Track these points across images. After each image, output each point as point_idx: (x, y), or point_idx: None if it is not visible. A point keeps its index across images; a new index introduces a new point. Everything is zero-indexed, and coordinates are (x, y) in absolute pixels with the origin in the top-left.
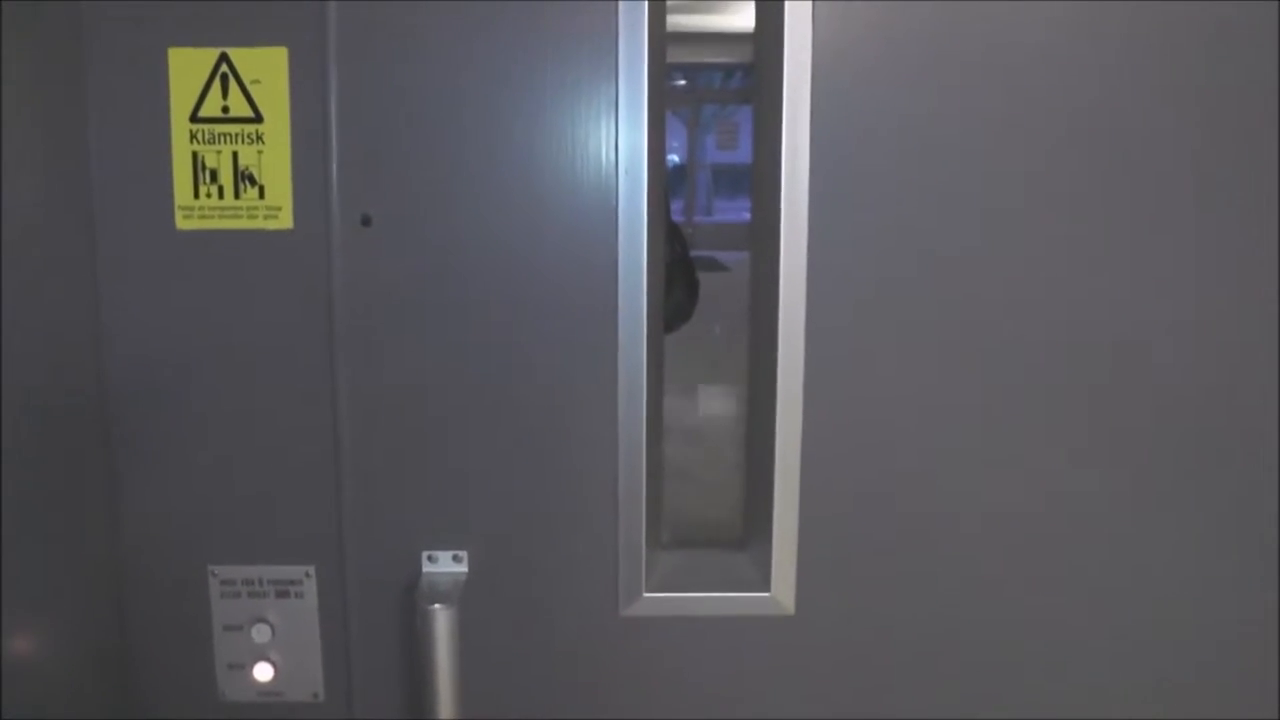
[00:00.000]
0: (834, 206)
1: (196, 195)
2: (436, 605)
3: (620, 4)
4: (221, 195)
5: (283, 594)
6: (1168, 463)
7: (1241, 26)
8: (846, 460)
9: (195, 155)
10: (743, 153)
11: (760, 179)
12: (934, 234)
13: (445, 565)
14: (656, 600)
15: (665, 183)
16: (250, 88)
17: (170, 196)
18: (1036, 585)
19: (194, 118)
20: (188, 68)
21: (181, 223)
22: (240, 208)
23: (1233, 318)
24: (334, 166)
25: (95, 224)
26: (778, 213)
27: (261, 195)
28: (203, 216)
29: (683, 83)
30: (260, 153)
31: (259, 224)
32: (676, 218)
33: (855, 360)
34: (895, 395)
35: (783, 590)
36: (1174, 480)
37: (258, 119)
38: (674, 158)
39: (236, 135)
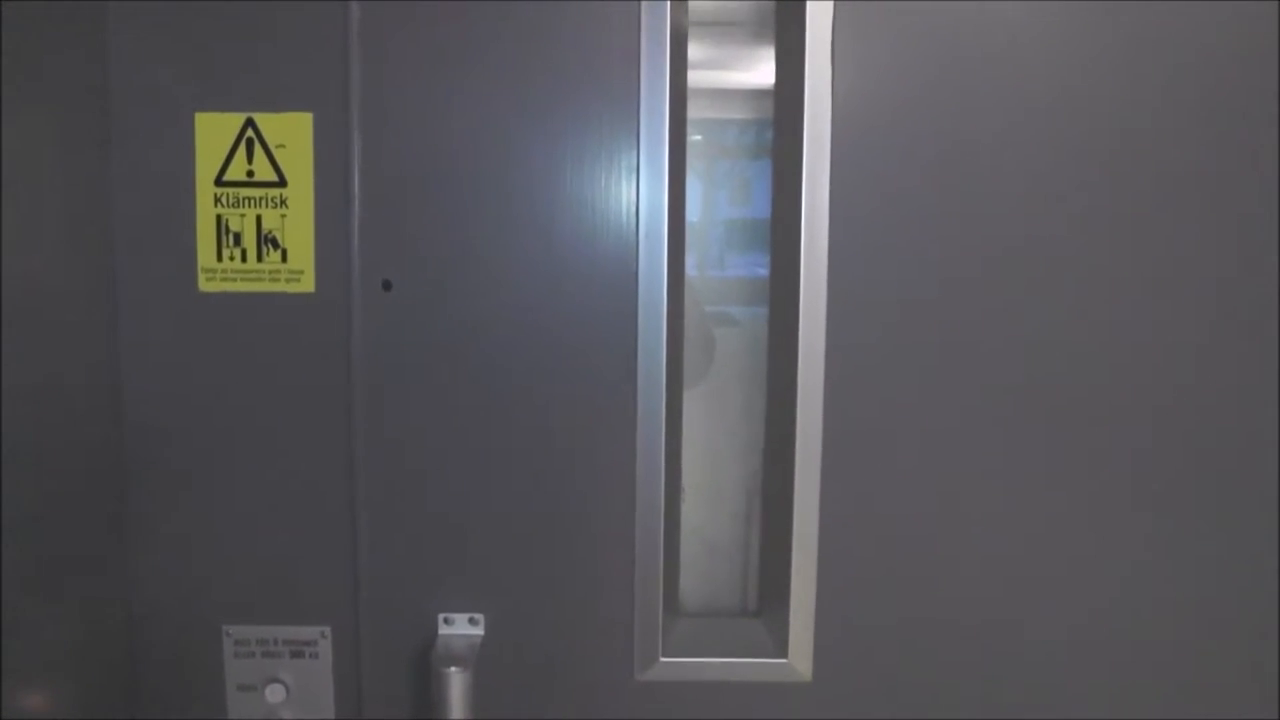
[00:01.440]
0: (853, 263)
1: (219, 258)
2: (452, 668)
3: (643, 68)
4: (244, 258)
5: (297, 654)
6: (1203, 494)
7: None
8: (864, 526)
9: (219, 218)
10: (755, 208)
11: (779, 233)
12: (955, 294)
13: (461, 628)
14: (673, 665)
15: (684, 245)
16: (275, 152)
17: (193, 258)
18: (1061, 652)
19: (219, 181)
20: (214, 132)
21: (204, 285)
22: (263, 271)
23: (1265, 334)
24: (356, 231)
25: (118, 284)
26: (797, 270)
27: (284, 259)
28: (225, 279)
29: (698, 138)
30: (284, 216)
31: (281, 287)
32: (690, 272)
33: (874, 423)
34: (914, 460)
35: (800, 657)
36: (1207, 506)
37: (282, 183)
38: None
39: (260, 199)
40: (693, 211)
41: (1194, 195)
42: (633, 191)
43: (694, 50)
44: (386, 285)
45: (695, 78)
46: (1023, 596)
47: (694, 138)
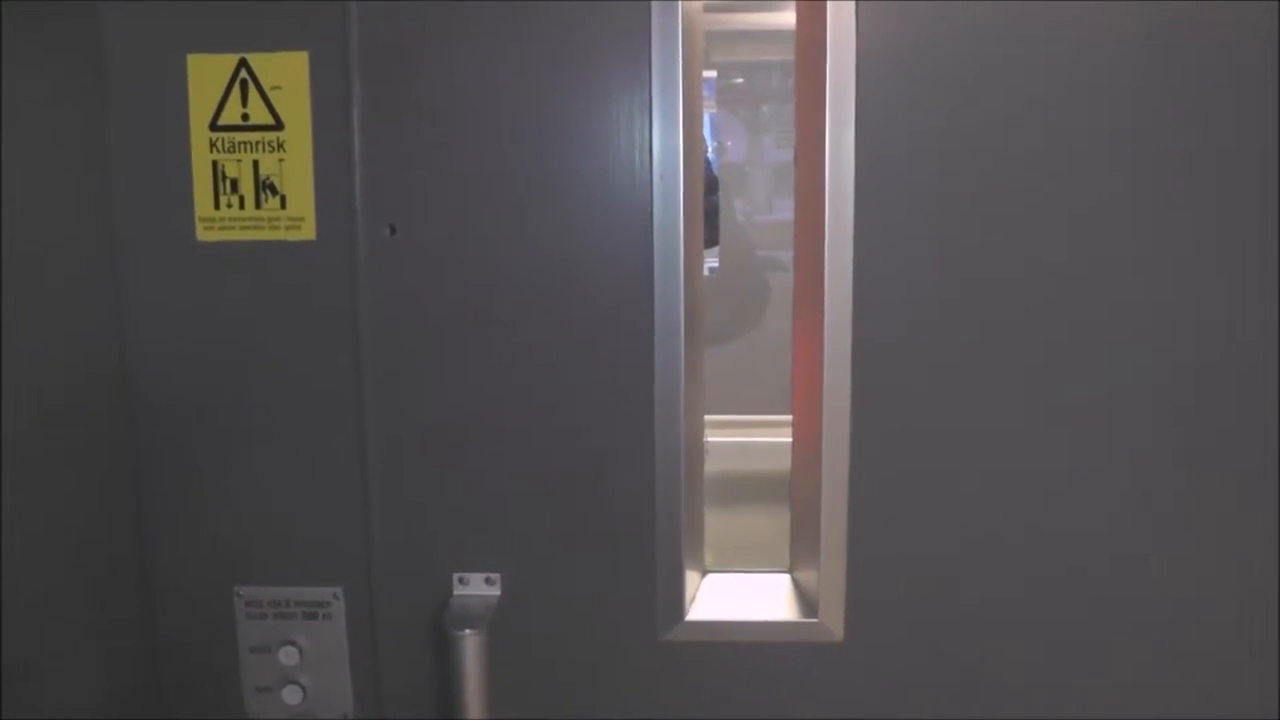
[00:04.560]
0: (881, 210)
1: (217, 206)
2: (467, 630)
3: (654, 4)
4: (243, 205)
5: (310, 616)
6: (1240, 478)
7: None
8: (897, 478)
9: (215, 164)
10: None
11: (803, 179)
12: (990, 239)
13: (477, 587)
14: (698, 625)
15: (702, 187)
16: (270, 94)
17: (191, 207)
18: (1099, 616)
19: (214, 126)
20: (207, 74)
21: (202, 234)
22: (262, 218)
23: None
24: (358, 175)
25: (115, 237)
26: (822, 215)
27: (283, 205)
28: (224, 228)
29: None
30: (282, 161)
31: (281, 235)
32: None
33: (906, 373)
34: (949, 410)
35: (831, 616)
36: (1246, 493)
37: (278, 126)
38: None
39: (257, 143)
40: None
41: (1247, 172)
42: (646, 131)
43: None
44: (391, 230)
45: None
46: (1064, 554)
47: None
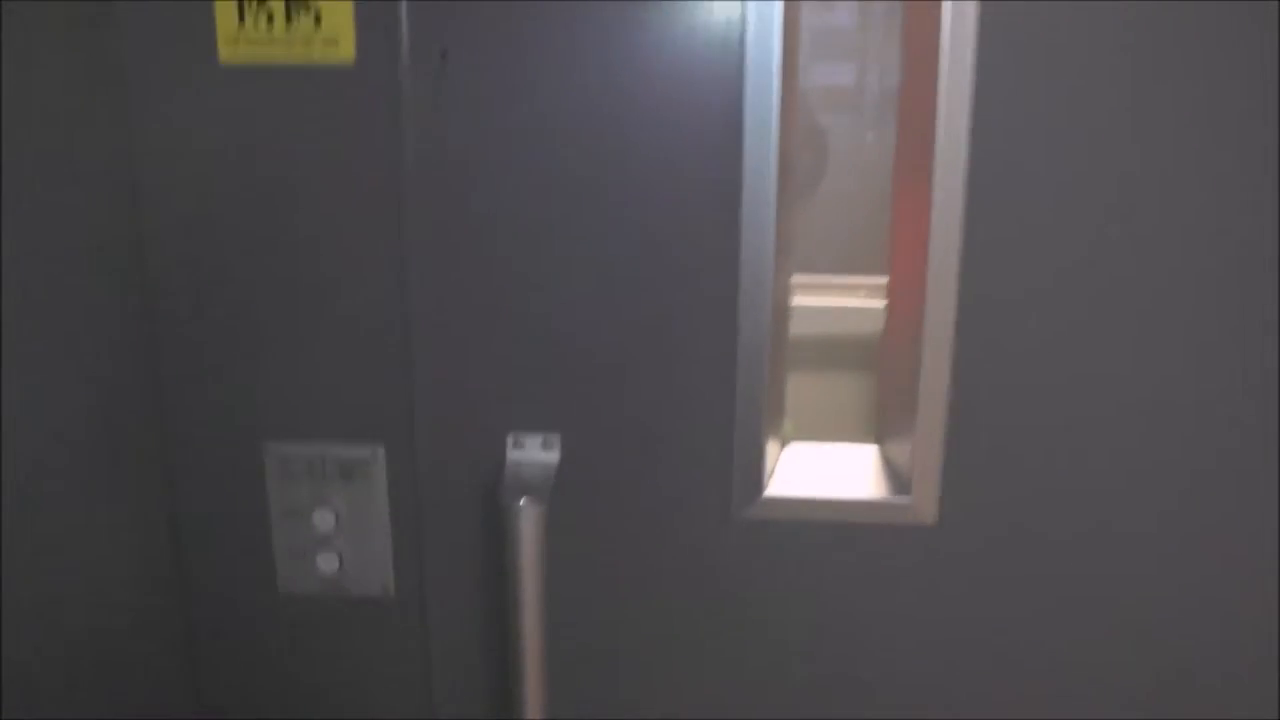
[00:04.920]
0: (1003, 65)
1: (242, 22)
2: (522, 500)
3: None
4: (271, 23)
5: (348, 475)
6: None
7: None
8: (1008, 339)
9: None
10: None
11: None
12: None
13: (533, 451)
14: (777, 502)
15: (797, 37)
16: None
17: (211, 25)
18: (1213, 510)
19: None
20: None
21: (225, 55)
22: (293, 38)
23: None
24: None
25: (126, 59)
26: (935, 69)
27: (317, 22)
28: (250, 46)
29: None
30: None
31: (315, 57)
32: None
33: (1022, 229)
34: (1070, 268)
35: (924, 496)
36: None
37: None
38: None
39: None
40: None
41: None
42: None
43: None
44: (442, 53)
45: None
46: (1181, 439)
47: None
